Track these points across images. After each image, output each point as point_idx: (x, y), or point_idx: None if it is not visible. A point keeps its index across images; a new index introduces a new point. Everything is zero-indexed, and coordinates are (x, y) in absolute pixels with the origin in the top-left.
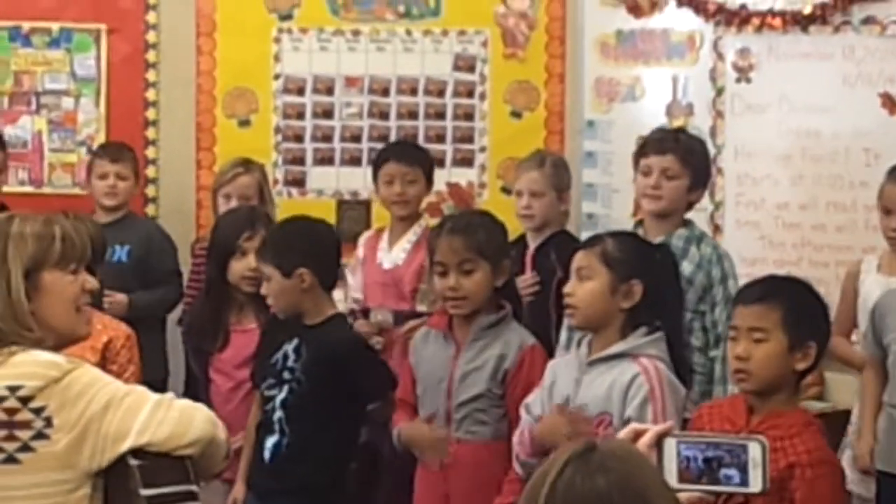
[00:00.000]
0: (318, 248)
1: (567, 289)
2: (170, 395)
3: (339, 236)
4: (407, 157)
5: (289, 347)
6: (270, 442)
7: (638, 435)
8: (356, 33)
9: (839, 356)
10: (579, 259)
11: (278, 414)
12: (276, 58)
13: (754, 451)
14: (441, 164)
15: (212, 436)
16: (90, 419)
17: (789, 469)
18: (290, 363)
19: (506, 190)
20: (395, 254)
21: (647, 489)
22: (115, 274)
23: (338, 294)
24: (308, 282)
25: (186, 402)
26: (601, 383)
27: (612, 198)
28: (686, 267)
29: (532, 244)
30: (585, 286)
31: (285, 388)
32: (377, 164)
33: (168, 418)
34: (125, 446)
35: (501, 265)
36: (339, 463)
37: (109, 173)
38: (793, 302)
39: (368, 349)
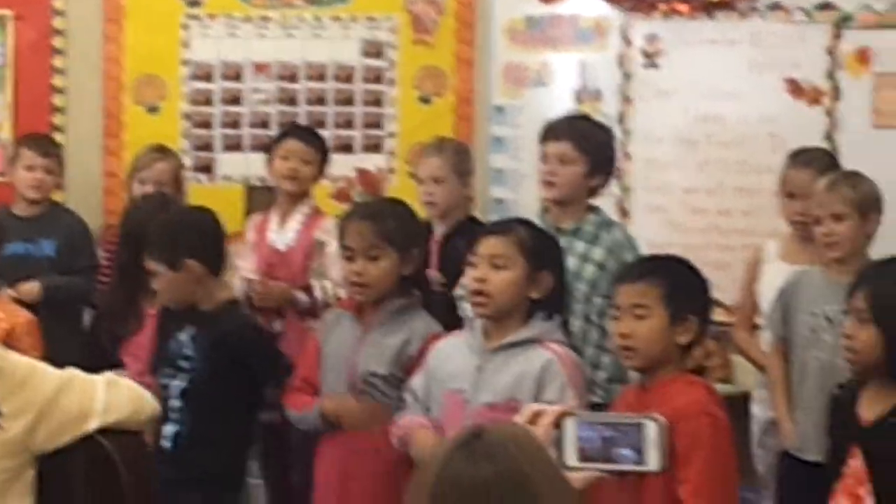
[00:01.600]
0: (202, 237)
1: (478, 275)
2: (109, 374)
3: (221, 221)
4: (306, 137)
5: (184, 335)
6: (170, 431)
7: (537, 416)
8: (265, 19)
9: (742, 353)
10: (493, 246)
11: (176, 403)
12: (185, 44)
13: (651, 430)
14: (350, 149)
15: (158, 412)
16: (44, 403)
17: (672, 424)
18: (185, 351)
19: (415, 176)
20: (286, 234)
21: (532, 476)
22: (43, 268)
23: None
24: (197, 272)
25: (128, 381)
26: (508, 370)
27: (520, 183)
28: (598, 253)
29: (438, 231)
30: (500, 275)
31: (182, 376)
32: (276, 141)
33: (125, 397)
34: (92, 425)
35: (410, 254)
36: (239, 449)
37: (37, 167)
38: (672, 278)
39: (262, 333)
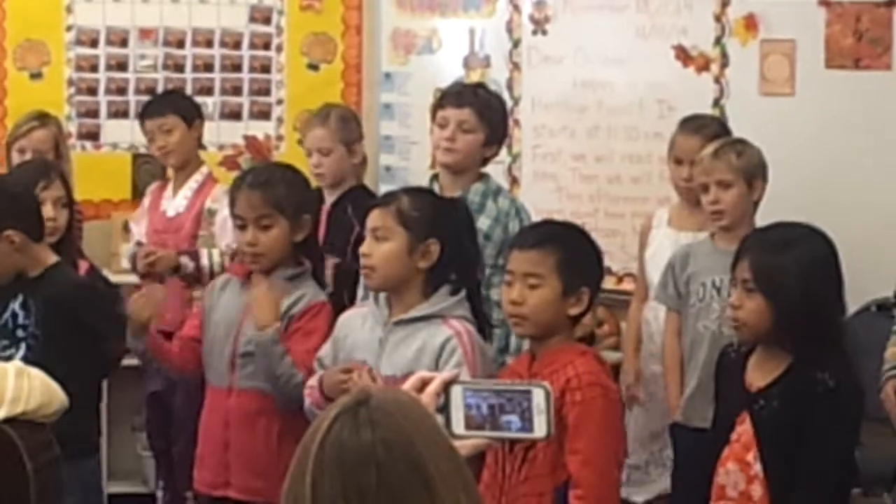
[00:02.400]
0: (14, 204)
1: (363, 249)
2: (17, 362)
3: (30, 181)
4: (157, 109)
5: (15, 305)
6: None
7: (424, 383)
8: None
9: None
10: (374, 218)
11: None
12: (68, 9)
13: (538, 397)
14: (238, 116)
15: (66, 405)
16: None
17: (561, 395)
18: (20, 320)
19: (302, 144)
20: (177, 201)
21: (416, 443)
22: None
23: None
24: (18, 241)
25: (39, 371)
26: (409, 345)
27: (409, 150)
28: (483, 222)
29: (329, 199)
30: (382, 247)
31: (22, 346)
32: (140, 125)
33: (34, 387)
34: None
35: (301, 221)
36: (86, 412)
37: None
38: (568, 248)
39: (93, 289)
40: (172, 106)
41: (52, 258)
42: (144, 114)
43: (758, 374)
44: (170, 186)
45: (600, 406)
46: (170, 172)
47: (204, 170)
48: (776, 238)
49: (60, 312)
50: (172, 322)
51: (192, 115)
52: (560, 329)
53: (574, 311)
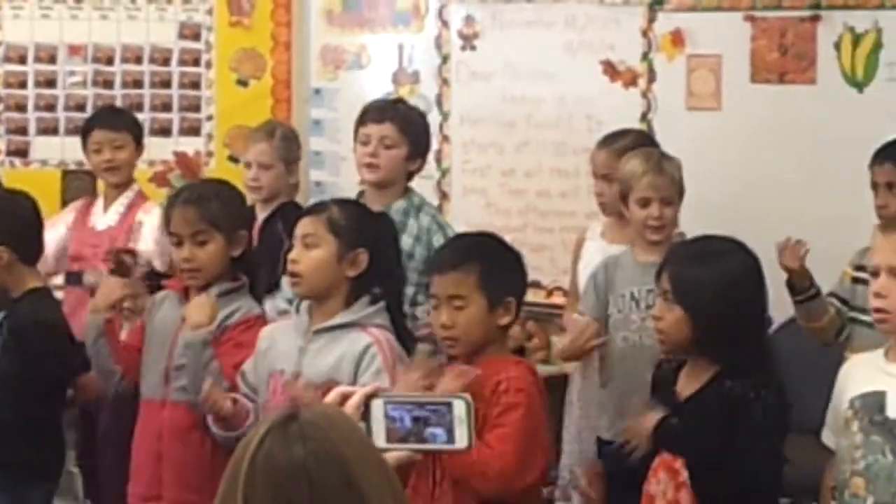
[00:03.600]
0: (14, 223)
1: (292, 256)
2: None
3: (38, 207)
4: (112, 123)
5: None
6: None
7: (345, 398)
8: (78, 0)
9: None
10: (304, 226)
11: None
12: None
13: (459, 408)
14: (168, 133)
15: None
16: None
17: (491, 396)
18: None
19: (233, 159)
20: (108, 216)
21: (346, 456)
22: None
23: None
24: (6, 259)
25: None
26: (328, 352)
27: (339, 166)
28: (405, 241)
29: (261, 216)
30: (311, 254)
31: None
32: (84, 133)
33: None
34: None
35: (237, 236)
36: (38, 440)
37: None
38: (486, 262)
39: (53, 331)
40: (128, 124)
41: (35, 283)
42: (97, 123)
43: (686, 384)
44: (99, 203)
45: (521, 413)
46: (100, 188)
47: (135, 187)
48: (698, 251)
49: (18, 342)
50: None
51: (141, 137)
52: (493, 340)
53: (504, 321)
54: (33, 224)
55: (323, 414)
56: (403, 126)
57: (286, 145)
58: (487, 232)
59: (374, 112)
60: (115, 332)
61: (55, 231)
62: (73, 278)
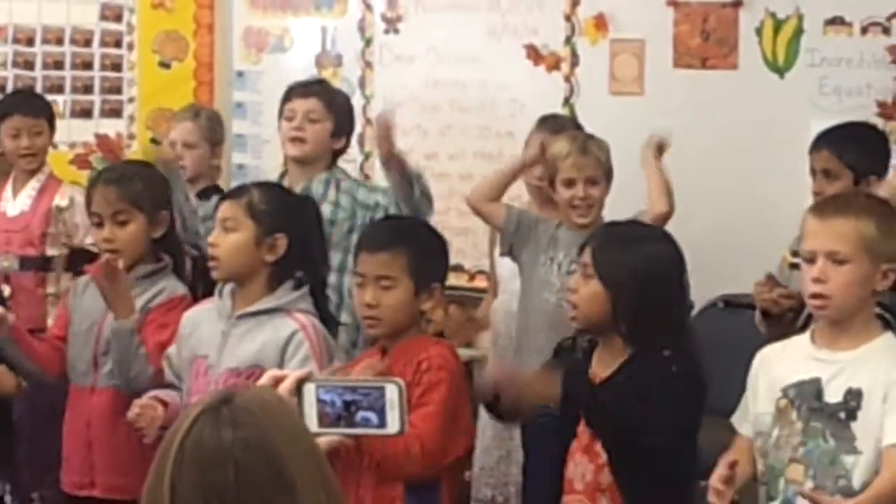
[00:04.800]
0: None
1: (211, 239)
2: None
3: None
4: (32, 108)
5: None
6: None
7: (277, 381)
8: None
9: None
10: (224, 210)
11: None
12: None
13: (391, 392)
14: (89, 114)
15: None
16: None
17: (414, 376)
18: None
19: (155, 141)
20: (20, 201)
21: (277, 444)
22: None
23: None
24: None
25: None
26: (252, 338)
27: (262, 148)
28: (325, 209)
29: None
30: (229, 238)
31: None
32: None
33: None
34: None
35: (159, 217)
36: None
37: None
38: (416, 246)
39: None
40: (45, 109)
41: None
42: (14, 109)
43: (600, 367)
44: (8, 187)
45: (443, 390)
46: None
47: (46, 170)
48: (623, 233)
49: None
50: (27, 320)
51: (54, 121)
52: (413, 324)
53: (428, 306)
54: None
55: (257, 399)
56: (329, 102)
57: (211, 125)
58: (417, 217)
59: (300, 88)
60: (23, 336)
61: None
62: None
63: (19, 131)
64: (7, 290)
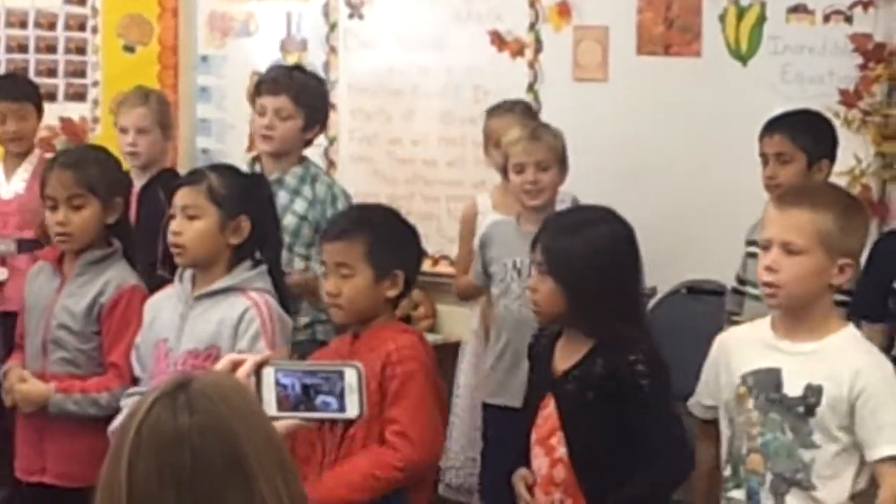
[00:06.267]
0: None
1: (174, 227)
2: None
3: None
4: (16, 92)
5: None
6: None
7: (236, 365)
8: None
9: (463, 290)
10: (184, 197)
11: None
12: None
13: (350, 377)
14: (53, 98)
15: None
16: None
17: (382, 369)
18: None
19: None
20: (14, 184)
21: (234, 430)
22: None
23: None
24: None
25: None
26: (209, 318)
27: (226, 133)
28: (300, 204)
29: (137, 183)
30: (194, 225)
31: None
32: None
33: None
34: None
35: (113, 202)
36: None
37: None
38: (374, 234)
39: None
40: (29, 93)
41: None
42: (1, 94)
43: (562, 358)
44: None
45: (419, 380)
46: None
47: (37, 152)
48: (570, 221)
49: None
50: (21, 302)
51: (41, 104)
52: (380, 312)
53: (391, 294)
54: None
55: (214, 384)
56: (298, 97)
57: (162, 109)
58: (383, 205)
59: (270, 83)
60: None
61: None
62: None
63: (5, 116)
64: (4, 274)
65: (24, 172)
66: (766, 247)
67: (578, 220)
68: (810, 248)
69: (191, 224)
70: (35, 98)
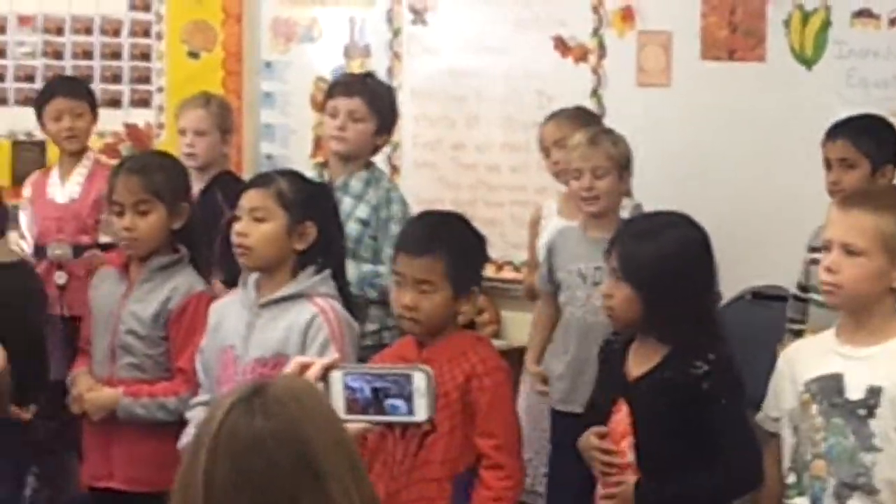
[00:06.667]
0: None
1: (241, 229)
2: None
3: None
4: (74, 91)
5: None
6: None
7: (304, 368)
8: None
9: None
10: (253, 199)
11: None
12: None
13: (419, 380)
14: (118, 104)
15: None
16: None
17: (467, 381)
18: None
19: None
20: (69, 188)
21: (307, 435)
22: None
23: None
24: None
25: None
26: (276, 325)
27: (290, 138)
28: (362, 209)
29: (196, 186)
30: (261, 228)
31: None
32: (42, 100)
33: None
34: None
35: (179, 208)
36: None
37: None
38: (457, 251)
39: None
40: (85, 93)
41: (4, 258)
42: (57, 91)
43: (636, 364)
44: (54, 174)
45: (507, 390)
46: (49, 160)
47: (91, 155)
48: (644, 227)
49: None
50: (80, 308)
51: (96, 107)
52: (449, 325)
53: (465, 309)
54: None
55: (288, 388)
56: (372, 101)
57: (221, 113)
58: (457, 214)
59: (344, 86)
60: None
61: (27, 214)
62: (38, 251)
63: (61, 113)
64: (63, 279)
65: (78, 176)
66: (827, 247)
67: (653, 225)
68: (871, 250)
69: (258, 226)
70: (90, 99)
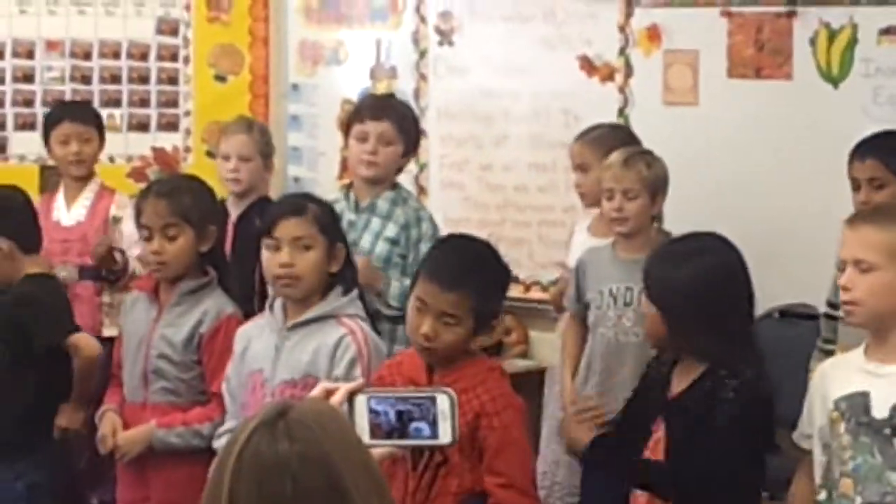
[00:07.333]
0: (13, 215)
1: (286, 259)
2: None
3: (30, 199)
4: (81, 116)
5: None
6: None
7: (329, 393)
8: None
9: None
10: (296, 228)
11: None
12: None
13: (443, 403)
14: (145, 128)
15: None
16: None
17: (477, 418)
18: None
19: (211, 154)
20: (75, 211)
21: (332, 457)
22: None
23: None
24: (6, 249)
25: None
26: (305, 347)
27: (317, 161)
28: (391, 228)
29: (234, 212)
30: (308, 256)
31: None
32: (50, 124)
33: None
34: None
35: (207, 231)
36: (35, 421)
37: None
38: (484, 287)
39: (34, 298)
40: (94, 117)
41: (35, 269)
42: (66, 116)
43: (678, 383)
44: (59, 197)
45: (518, 427)
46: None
47: (97, 180)
48: (676, 251)
49: (4, 318)
50: (84, 327)
51: (103, 131)
52: (464, 353)
53: (484, 342)
54: (27, 213)
55: (312, 411)
56: (401, 123)
57: (264, 139)
58: (486, 243)
59: (372, 109)
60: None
61: None
62: None
63: (68, 138)
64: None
65: (84, 200)
66: (841, 268)
67: (684, 250)
68: (883, 265)
69: (304, 255)
70: (98, 123)
